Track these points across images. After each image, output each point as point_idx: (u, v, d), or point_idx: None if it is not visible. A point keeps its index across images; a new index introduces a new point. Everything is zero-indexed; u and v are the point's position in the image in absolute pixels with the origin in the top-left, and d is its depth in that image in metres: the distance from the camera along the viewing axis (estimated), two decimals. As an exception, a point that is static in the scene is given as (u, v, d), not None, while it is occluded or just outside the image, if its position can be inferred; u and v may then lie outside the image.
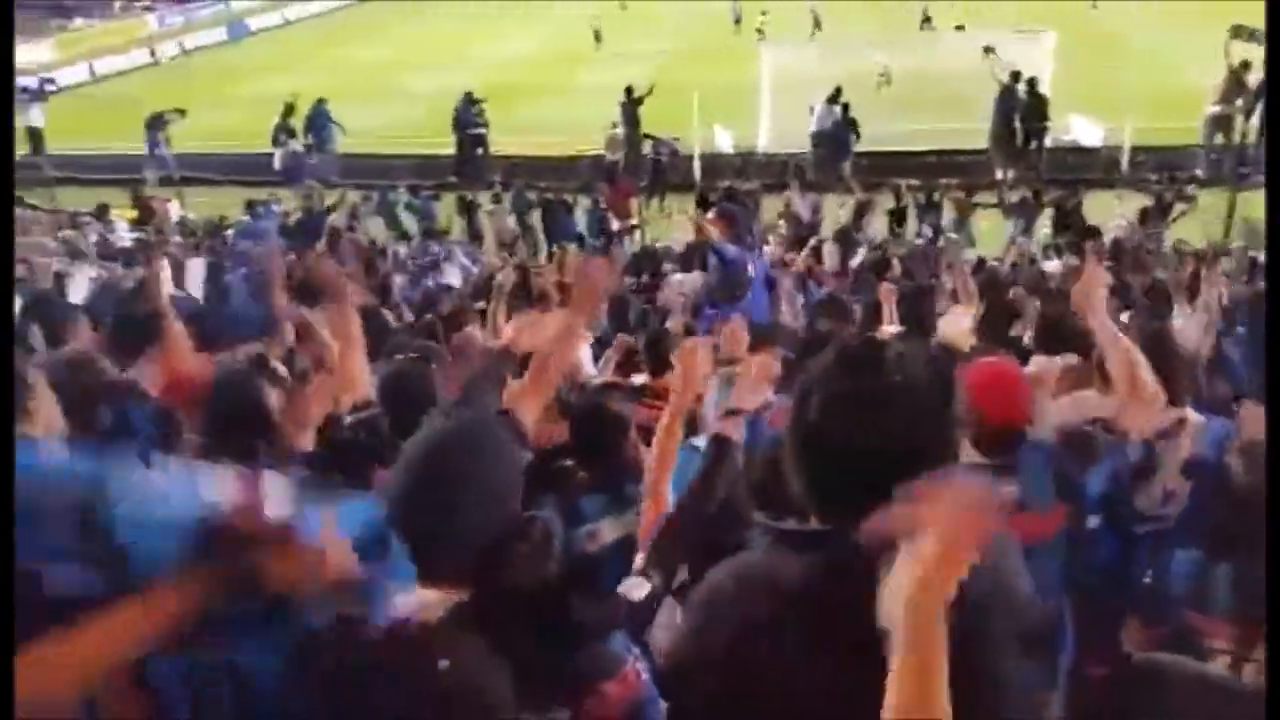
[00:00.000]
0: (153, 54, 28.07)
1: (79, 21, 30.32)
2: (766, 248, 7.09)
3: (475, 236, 13.78)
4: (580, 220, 13.34)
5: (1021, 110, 14.70)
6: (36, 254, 10.40)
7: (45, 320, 3.99)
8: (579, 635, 1.56)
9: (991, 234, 11.98)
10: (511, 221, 13.52)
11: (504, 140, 16.75)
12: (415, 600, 1.63)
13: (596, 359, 4.92)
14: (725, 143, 15.86)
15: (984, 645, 1.10)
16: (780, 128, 15.84)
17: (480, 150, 16.51)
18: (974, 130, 15.15)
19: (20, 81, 21.25)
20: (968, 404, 2.14)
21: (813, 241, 8.81)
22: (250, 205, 12.64)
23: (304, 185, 14.62)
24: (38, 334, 3.91)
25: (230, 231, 12.73)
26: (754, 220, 9.67)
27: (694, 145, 15.35)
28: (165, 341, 3.29)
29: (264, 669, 1.73)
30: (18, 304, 4.34)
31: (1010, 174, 14.67)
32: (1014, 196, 12.79)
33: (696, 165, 15.30)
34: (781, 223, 11.70)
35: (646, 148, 15.24)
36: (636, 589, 1.75)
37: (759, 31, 23.61)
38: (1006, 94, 14.71)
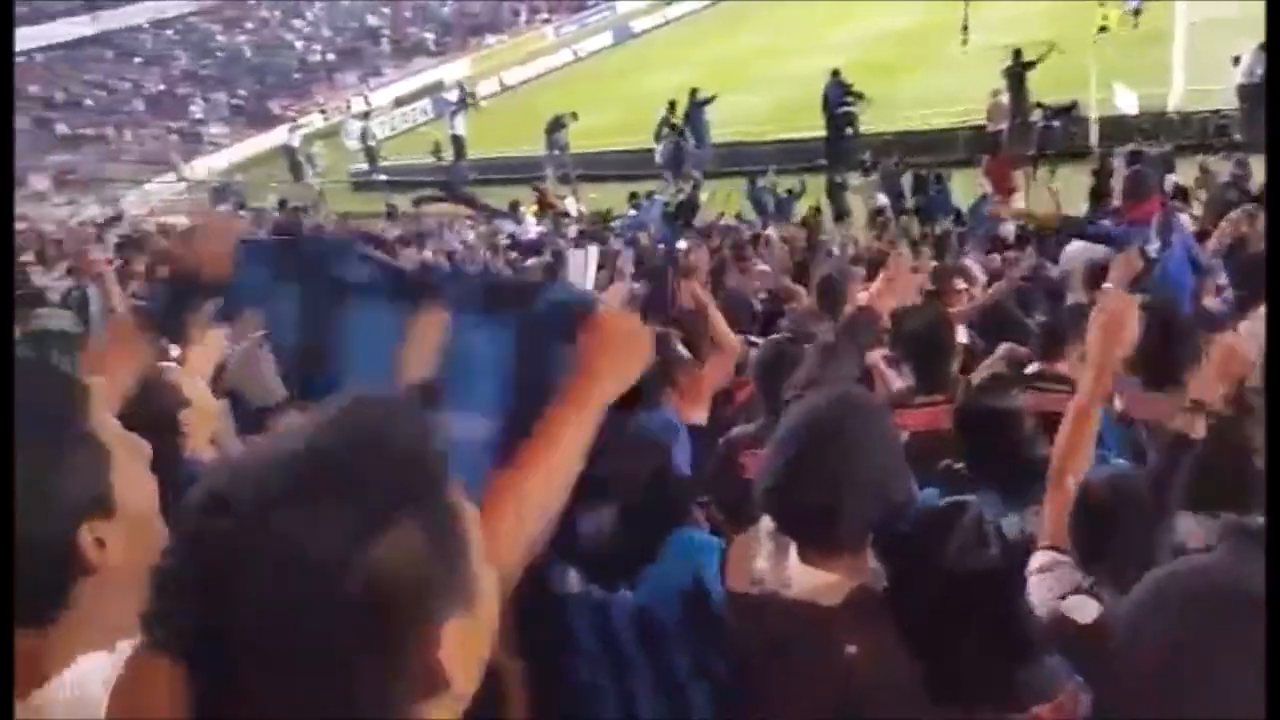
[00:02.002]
0: (553, 60, 30.87)
1: (490, 39, 34.00)
2: (1184, 218, 6.25)
3: (841, 216, 13.65)
4: (958, 195, 12.71)
5: None
6: (457, 246, 11.88)
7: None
8: (1014, 644, 1.43)
9: None
10: (882, 199, 13.21)
11: (876, 117, 16.38)
12: (813, 580, 1.63)
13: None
14: (1128, 103, 14.26)
15: None
16: (1197, 82, 13.97)
17: (850, 129, 16.26)
18: None
19: (446, 96, 24.35)
20: None
21: (1236, 212, 7.62)
22: (633, 197, 13.45)
23: (684, 175, 15.35)
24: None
25: (616, 223, 13.69)
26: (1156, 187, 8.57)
27: (1091, 107, 13.99)
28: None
29: (664, 617, 1.84)
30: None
31: None
32: None
33: (1094, 129, 13.94)
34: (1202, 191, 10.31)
35: (1036, 114, 14.12)
36: (1082, 609, 1.55)
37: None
38: None
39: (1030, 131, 14.13)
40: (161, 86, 28.84)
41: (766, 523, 1.76)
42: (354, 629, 0.64)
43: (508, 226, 13.56)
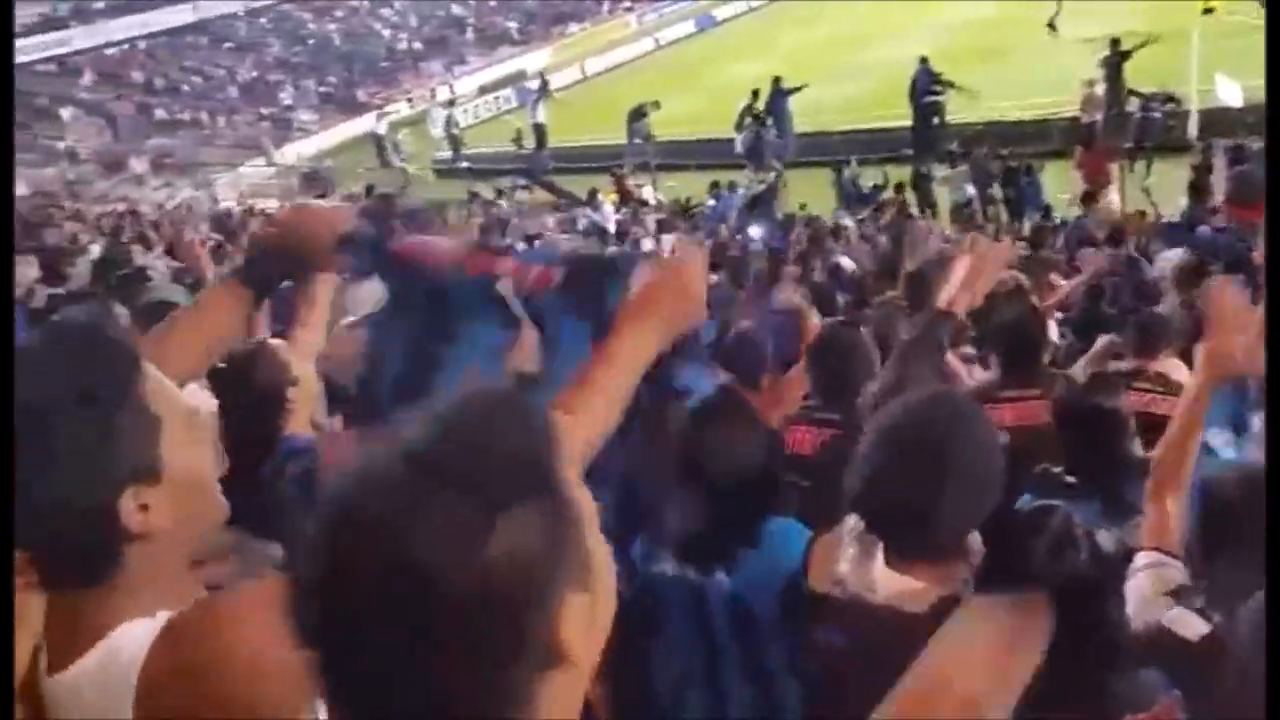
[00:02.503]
0: (633, 49, 30.87)
1: (573, 28, 34.12)
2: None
3: (926, 208, 13.36)
4: (1049, 188, 12.34)
5: None
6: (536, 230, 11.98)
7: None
8: (1106, 654, 1.38)
9: None
10: (969, 190, 12.89)
11: (963, 107, 15.99)
12: (899, 586, 1.60)
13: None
14: (1231, 94, 13.64)
15: None
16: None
17: (937, 119, 15.91)
18: None
19: (529, 84, 24.54)
20: None
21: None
22: (714, 186, 13.37)
23: (765, 165, 15.21)
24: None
25: (695, 212, 13.66)
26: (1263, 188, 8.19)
27: (1191, 99, 13.43)
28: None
29: (761, 608, 1.83)
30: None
31: None
32: None
33: (1193, 122, 13.38)
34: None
35: (1132, 105, 13.62)
36: (1186, 624, 1.47)
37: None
38: None
39: (1127, 123, 13.63)
40: (254, 73, 29.64)
41: (852, 523, 1.74)
42: (480, 615, 0.67)
43: (587, 214, 13.64)
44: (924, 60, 16.03)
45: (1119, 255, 6.24)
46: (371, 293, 2.99)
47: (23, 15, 29.57)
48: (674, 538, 1.92)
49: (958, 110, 15.87)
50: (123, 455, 1.02)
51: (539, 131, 20.33)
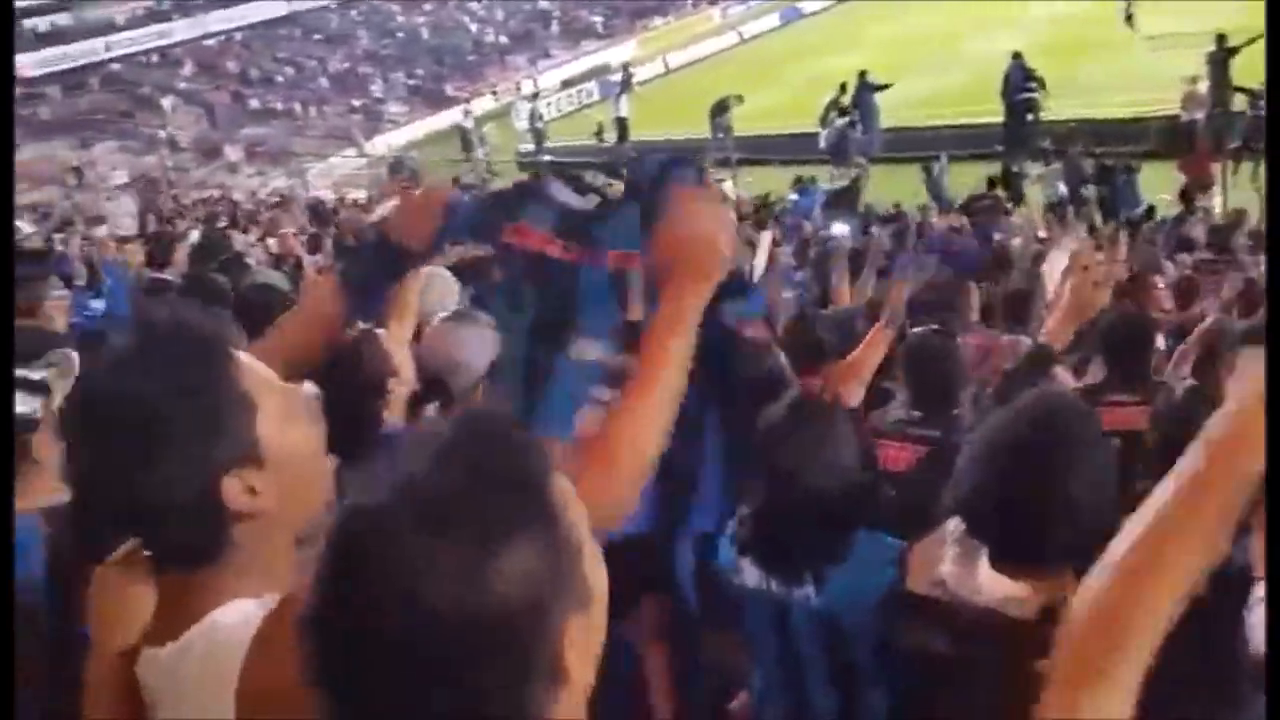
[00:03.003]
0: (717, 43, 30.76)
1: (657, 21, 34.10)
2: None
3: (1016, 205, 13.01)
4: (1146, 188, 11.93)
5: None
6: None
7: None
8: (1220, 680, 1.33)
9: None
10: (1062, 189, 12.53)
11: (1057, 103, 15.54)
12: (1004, 590, 1.57)
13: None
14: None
15: None
16: None
17: (1030, 115, 15.49)
18: None
19: (612, 78, 24.63)
20: None
21: None
22: (797, 181, 13.24)
23: (849, 162, 15.01)
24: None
25: (778, 209, 13.53)
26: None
27: (1303, 96, 12.80)
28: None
29: (852, 626, 1.80)
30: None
31: None
32: None
33: (1308, 120, 12.75)
34: None
35: (1238, 103, 13.06)
36: None
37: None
38: None
39: (1232, 122, 13.08)
40: (345, 65, 30.31)
41: (954, 525, 1.71)
42: (484, 639, 0.70)
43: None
44: (1017, 55, 15.62)
45: (1232, 277, 5.94)
46: (446, 285, 3.06)
47: (130, 7, 30.79)
48: (758, 548, 1.90)
49: (1052, 107, 15.42)
50: (222, 441, 1.05)
51: (621, 125, 20.39)
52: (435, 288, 2.99)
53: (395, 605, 0.69)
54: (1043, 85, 15.16)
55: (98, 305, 5.56)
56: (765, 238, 6.73)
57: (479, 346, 2.13)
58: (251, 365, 1.12)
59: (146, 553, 1.12)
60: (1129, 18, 20.19)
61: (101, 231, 10.06)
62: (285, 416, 1.12)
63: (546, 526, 0.74)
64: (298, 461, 1.12)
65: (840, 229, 8.15)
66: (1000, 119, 15.73)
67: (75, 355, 2.25)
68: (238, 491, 1.05)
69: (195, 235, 8.98)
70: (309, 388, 2.08)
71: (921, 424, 2.83)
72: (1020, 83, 15.35)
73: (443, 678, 0.69)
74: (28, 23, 29.61)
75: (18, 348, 3.22)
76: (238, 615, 1.03)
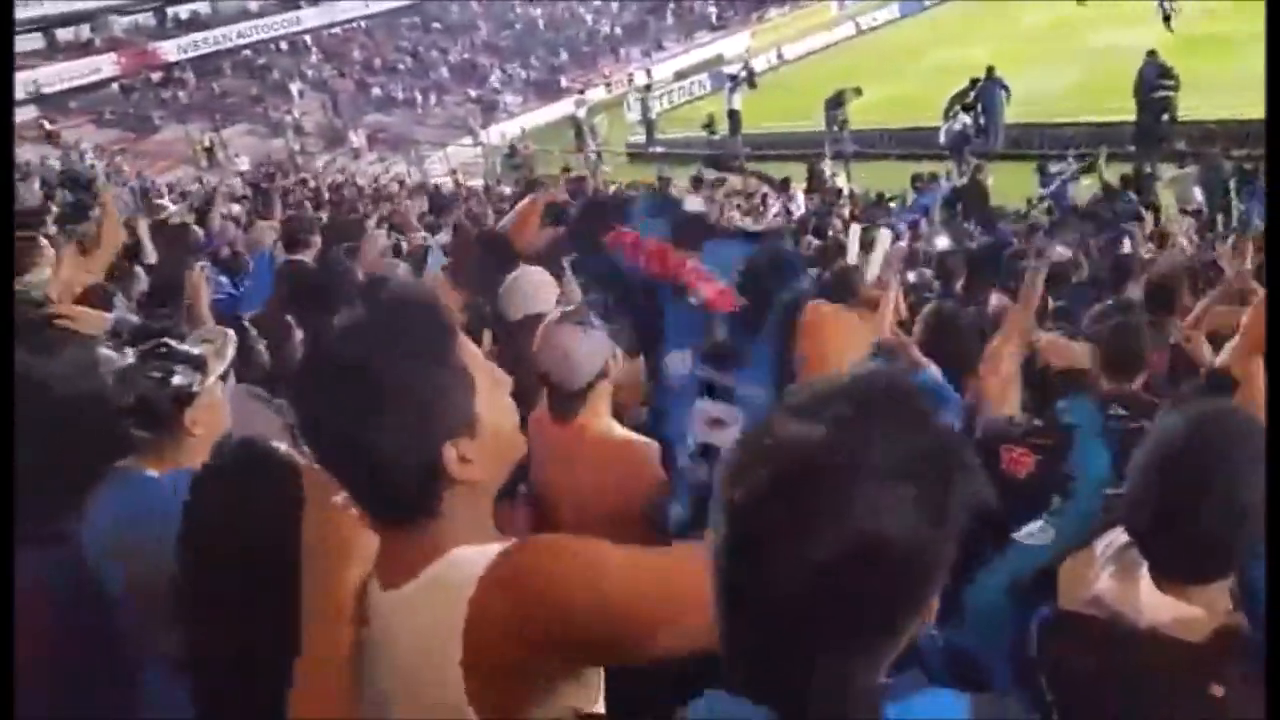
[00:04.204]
0: (843, 32, 30.30)
1: (772, 12, 33.80)
2: None
3: (1144, 210, 12.46)
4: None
5: None
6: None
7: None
8: None
9: None
10: (1198, 194, 11.94)
11: (1196, 102, 14.80)
12: (1171, 611, 1.53)
13: None
14: None
15: None
16: None
17: (1165, 115, 14.80)
18: None
19: (725, 70, 24.51)
20: None
21: None
22: (915, 179, 12.97)
23: (966, 158, 14.62)
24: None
25: (893, 204, 13.29)
26: None
27: None
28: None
29: (987, 660, 1.77)
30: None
31: None
32: None
33: None
34: None
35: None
36: None
37: None
38: None
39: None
40: (465, 56, 30.96)
41: (1110, 540, 1.67)
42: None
43: (779, 203, 13.51)
44: (1152, 53, 14.93)
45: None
46: (541, 285, 3.12)
47: (262, -5, 32.08)
48: None
49: (1190, 107, 14.70)
50: (447, 411, 1.14)
51: (733, 118, 20.26)
52: (523, 288, 3.04)
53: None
54: (1178, 84, 14.46)
55: (224, 281, 5.82)
56: (885, 236, 6.61)
57: (591, 348, 2.16)
58: (466, 343, 1.21)
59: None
60: (1167, 19, 19.34)
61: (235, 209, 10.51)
62: (492, 393, 1.20)
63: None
64: (502, 435, 1.21)
65: (1062, 251, 7.66)
66: (1130, 117, 15.08)
67: (232, 334, 2.37)
68: (454, 459, 1.14)
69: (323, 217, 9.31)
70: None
71: (1040, 431, 2.80)
72: (1154, 80, 14.68)
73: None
74: (170, 10, 31.17)
75: (174, 322, 3.42)
76: (468, 561, 1.12)
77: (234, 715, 1.54)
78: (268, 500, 1.42)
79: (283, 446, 1.62)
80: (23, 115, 25.81)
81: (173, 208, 8.25)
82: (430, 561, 1.14)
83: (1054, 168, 12.86)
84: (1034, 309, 3.27)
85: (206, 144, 24.97)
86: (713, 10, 33.70)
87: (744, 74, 21.13)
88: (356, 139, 25.42)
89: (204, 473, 1.62)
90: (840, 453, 0.79)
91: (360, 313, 1.18)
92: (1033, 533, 2.45)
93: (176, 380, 1.95)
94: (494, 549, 1.12)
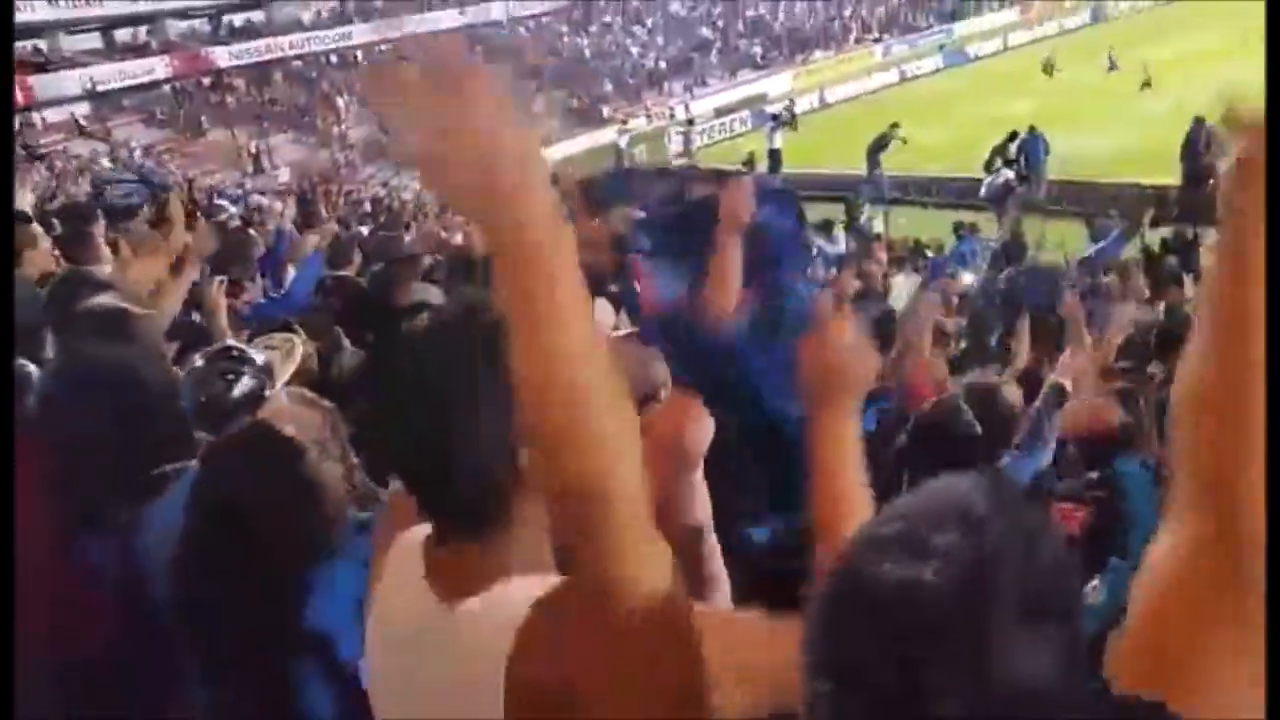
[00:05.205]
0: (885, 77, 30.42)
1: (817, 54, 34.02)
2: None
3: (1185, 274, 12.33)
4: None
5: None
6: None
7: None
8: None
9: None
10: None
11: (1243, 171, 14.69)
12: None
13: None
14: None
15: None
16: None
17: (1211, 181, 14.70)
18: None
19: (767, 109, 24.66)
20: None
21: None
22: (958, 228, 12.92)
23: (1008, 213, 14.57)
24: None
25: (929, 253, 13.23)
26: None
27: None
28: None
29: None
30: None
31: None
32: None
33: None
34: None
35: None
36: None
37: None
38: None
39: None
40: (513, 79, 31.30)
41: None
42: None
43: (818, 243, 13.48)
44: (1200, 120, 14.87)
45: None
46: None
47: (317, 8, 32.63)
48: None
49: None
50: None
51: (774, 156, 20.35)
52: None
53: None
54: (1226, 152, 14.36)
55: (267, 284, 5.86)
56: (914, 281, 6.62)
57: (646, 370, 2.16)
58: None
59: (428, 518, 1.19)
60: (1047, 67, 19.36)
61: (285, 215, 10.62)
62: None
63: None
64: None
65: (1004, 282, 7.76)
66: (1174, 181, 15.01)
67: (298, 340, 2.36)
68: (529, 464, 1.10)
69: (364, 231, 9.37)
70: None
71: (1089, 487, 2.76)
72: (1201, 145, 14.61)
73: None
74: (225, 18, 31.77)
75: (229, 328, 3.43)
76: (521, 592, 1.08)
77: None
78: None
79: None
80: (79, 110, 26.39)
81: (231, 209, 8.34)
82: (491, 582, 1.11)
83: (1100, 224, 12.78)
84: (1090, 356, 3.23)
85: (253, 150, 25.34)
86: (757, 50, 33.95)
87: (786, 114, 21.22)
88: (400, 155, 25.69)
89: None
90: (961, 594, 0.68)
91: (434, 319, 1.18)
92: (1085, 593, 2.40)
93: (245, 384, 1.96)
94: (552, 580, 1.09)
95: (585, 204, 2.65)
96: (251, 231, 7.27)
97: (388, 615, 1.25)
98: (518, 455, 1.10)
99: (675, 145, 22.95)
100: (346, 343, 3.79)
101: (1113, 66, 25.44)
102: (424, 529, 1.23)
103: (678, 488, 1.81)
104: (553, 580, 1.09)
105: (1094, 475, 2.90)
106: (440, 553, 1.18)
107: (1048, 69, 26.19)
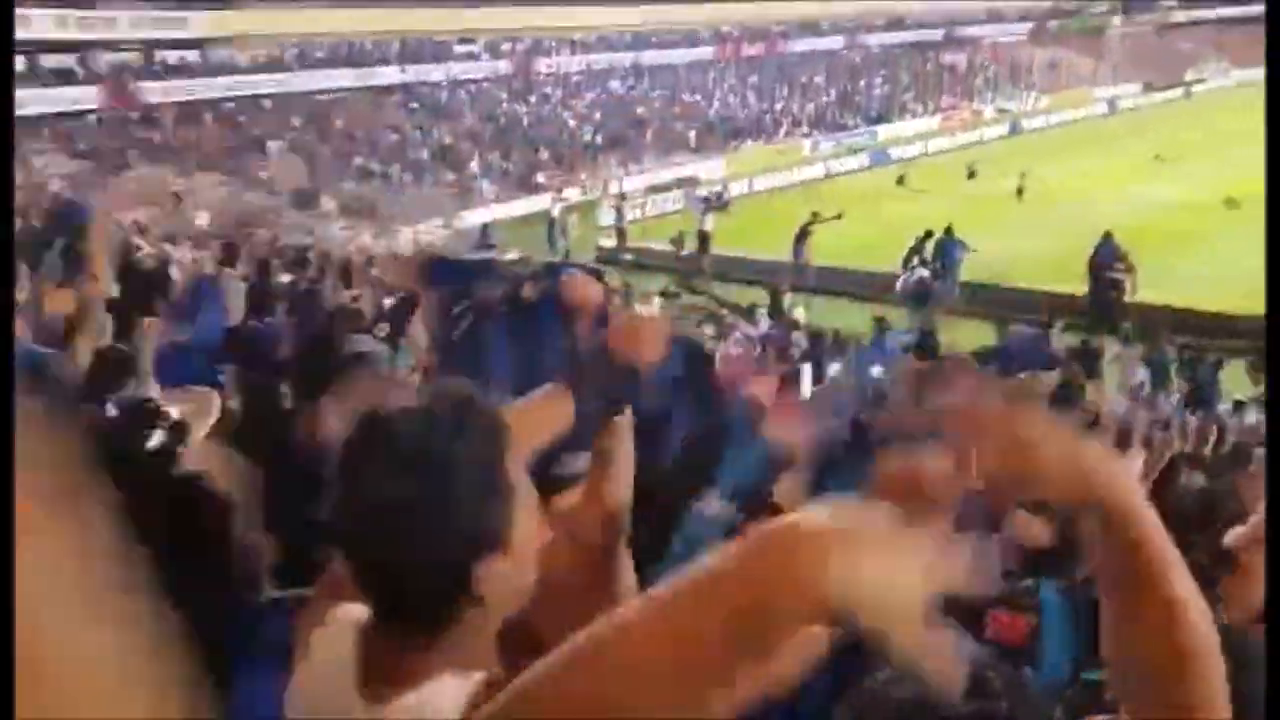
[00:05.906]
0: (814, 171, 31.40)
1: (748, 143, 35.05)
2: None
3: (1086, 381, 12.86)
4: (1226, 382, 11.77)
5: None
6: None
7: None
8: None
9: None
10: (1141, 373, 12.42)
11: (1146, 287, 15.54)
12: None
13: None
14: None
15: None
16: None
17: (1114, 293, 15.49)
18: None
19: (700, 193, 25.17)
20: None
21: None
22: (879, 322, 13.26)
23: (924, 311, 15.06)
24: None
25: (850, 347, 13.53)
26: None
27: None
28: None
29: None
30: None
31: None
32: None
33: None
34: None
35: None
36: None
37: None
38: None
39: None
40: (447, 140, 31.39)
41: None
42: None
43: (742, 328, 13.70)
44: (1108, 235, 15.74)
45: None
46: None
47: (254, 54, 32.40)
48: None
49: (1143, 291, 15.42)
50: (487, 523, 1.08)
51: (703, 238, 20.73)
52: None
53: None
54: (1132, 268, 15.21)
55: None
56: (808, 372, 6.80)
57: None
58: (519, 456, 1.16)
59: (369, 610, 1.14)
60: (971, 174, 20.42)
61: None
62: (530, 512, 1.15)
63: None
64: (524, 558, 1.14)
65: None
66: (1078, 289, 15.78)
67: (215, 395, 2.27)
68: (484, 576, 1.08)
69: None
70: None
71: (1025, 592, 2.76)
72: (1108, 260, 15.43)
73: None
74: (159, 55, 31.29)
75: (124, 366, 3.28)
76: (451, 691, 1.03)
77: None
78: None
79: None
80: (-9, 133, 25.43)
81: (147, 248, 8.10)
82: (421, 681, 1.06)
83: (1013, 328, 13.27)
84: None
85: (176, 188, 24.76)
86: (691, 134, 34.82)
87: (716, 198, 21.73)
88: (329, 202, 25.42)
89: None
90: None
91: (414, 406, 1.13)
92: None
93: (156, 440, 1.88)
94: (479, 678, 1.05)
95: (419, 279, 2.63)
96: (172, 270, 7.04)
97: (311, 705, 1.18)
98: (476, 563, 1.07)
99: (607, 218, 23.19)
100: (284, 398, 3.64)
101: (971, 174, 27.44)
102: (358, 609, 1.17)
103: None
104: (475, 676, 1.05)
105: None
106: (381, 640, 1.12)
107: (971, 174, 27.51)
